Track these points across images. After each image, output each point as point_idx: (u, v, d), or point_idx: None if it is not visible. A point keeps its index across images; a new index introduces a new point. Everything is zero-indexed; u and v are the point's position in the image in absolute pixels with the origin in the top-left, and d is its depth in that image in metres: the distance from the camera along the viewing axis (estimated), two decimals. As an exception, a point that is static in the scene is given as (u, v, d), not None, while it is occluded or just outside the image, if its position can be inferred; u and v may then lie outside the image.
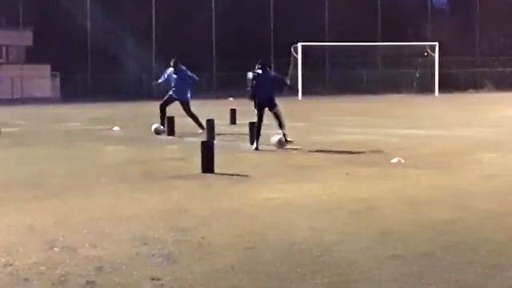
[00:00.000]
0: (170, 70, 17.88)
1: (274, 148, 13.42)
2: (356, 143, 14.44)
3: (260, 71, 14.31)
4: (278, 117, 14.31)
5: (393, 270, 5.17)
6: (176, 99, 17.75)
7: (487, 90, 48.36)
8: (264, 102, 14.19)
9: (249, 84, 15.36)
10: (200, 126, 17.14)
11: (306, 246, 5.89)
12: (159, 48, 47.45)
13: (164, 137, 16.65)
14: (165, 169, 10.87)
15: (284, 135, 13.94)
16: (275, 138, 13.67)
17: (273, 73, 14.80)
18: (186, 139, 15.95)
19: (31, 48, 48.05)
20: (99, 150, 14.24)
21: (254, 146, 13.67)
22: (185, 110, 17.61)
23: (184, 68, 17.82)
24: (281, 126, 14.24)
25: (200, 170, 10.24)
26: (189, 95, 17.69)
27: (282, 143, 13.60)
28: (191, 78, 17.76)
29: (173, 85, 17.72)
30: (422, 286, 4.82)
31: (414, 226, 6.63)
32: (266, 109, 14.25)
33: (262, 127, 14.01)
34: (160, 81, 18.47)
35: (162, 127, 17.25)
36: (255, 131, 13.86)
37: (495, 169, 10.40)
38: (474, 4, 53.38)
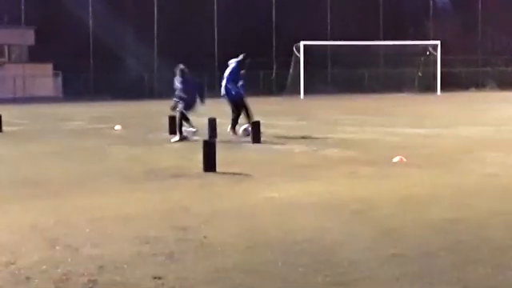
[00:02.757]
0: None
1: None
2: (358, 142, 14.44)
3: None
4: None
5: (395, 270, 5.16)
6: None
7: (489, 89, 48.33)
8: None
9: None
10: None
11: (308, 245, 5.88)
12: (161, 47, 47.48)
13: (166, 136, 16.58)
14: (166, 168, 10.87)
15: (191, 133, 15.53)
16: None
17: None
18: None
19: (33, 47, 48.01)
20: (101, 148, 14.24)
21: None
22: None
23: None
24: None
25: (202, 169, 10.24)
26: None
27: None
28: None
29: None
30: (424, 286, 4.81)
31: (415, 225, 6.62)
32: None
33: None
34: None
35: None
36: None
37: (498, 168, 10.39)
38: (477, 2, 53.34)
